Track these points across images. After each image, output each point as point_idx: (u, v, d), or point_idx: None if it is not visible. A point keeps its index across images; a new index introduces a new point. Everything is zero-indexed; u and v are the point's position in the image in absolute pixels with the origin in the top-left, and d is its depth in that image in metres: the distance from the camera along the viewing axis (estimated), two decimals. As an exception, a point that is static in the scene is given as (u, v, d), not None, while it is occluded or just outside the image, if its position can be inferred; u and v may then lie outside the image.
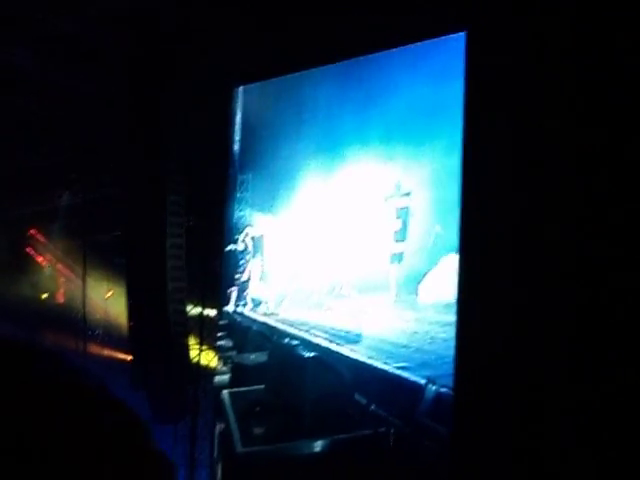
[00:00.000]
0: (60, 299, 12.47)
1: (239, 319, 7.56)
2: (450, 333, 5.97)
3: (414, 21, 6.52)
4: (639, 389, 5.09)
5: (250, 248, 7.61)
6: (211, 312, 8.86)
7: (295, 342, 7.10)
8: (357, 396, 6.56)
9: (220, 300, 8.15)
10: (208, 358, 8.82)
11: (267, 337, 7.28)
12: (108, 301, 11.78)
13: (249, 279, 7.55)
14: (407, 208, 6.55)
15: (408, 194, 6.61)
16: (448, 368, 6.01)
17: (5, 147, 10.21)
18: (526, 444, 5.52)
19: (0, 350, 0.72)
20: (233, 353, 7.60)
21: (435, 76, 6.44)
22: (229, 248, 7.77)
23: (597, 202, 5.35)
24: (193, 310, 8.75)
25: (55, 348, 0.81)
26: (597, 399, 5.19)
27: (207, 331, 8.64)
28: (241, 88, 7.88)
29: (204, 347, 8.73)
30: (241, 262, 7.64)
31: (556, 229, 5.49)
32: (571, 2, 5.54)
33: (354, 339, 6.73)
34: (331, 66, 7.22)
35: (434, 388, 6.12)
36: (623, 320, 5.18)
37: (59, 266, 12.43)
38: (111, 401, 0.72)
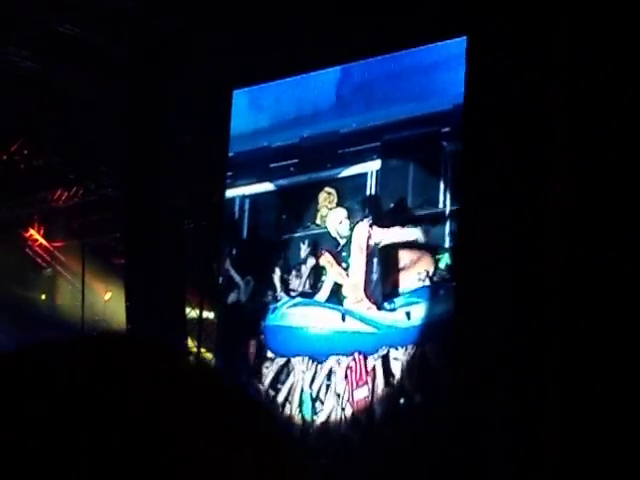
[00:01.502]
0: (58, 300, 12.46)
1: None
2: None
3: (414, 25, 6.52)
4: (627, 403, 5.09)
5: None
6: (210, 314, 8.86)
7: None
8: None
9: (218, 302, 8.15)
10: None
11: None
12: (107, 303, 11.78)
13: None
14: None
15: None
16: None
17: (4, 147, 10.22)
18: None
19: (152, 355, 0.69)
20: None
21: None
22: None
23: (597, 210, 5.35)
24: (192, 312, 8.74)
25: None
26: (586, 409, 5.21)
27: (205, 333, 8.64)
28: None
29: (202, 349, 8.72)
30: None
31: (552, 247, 5.48)
32: (572, 7, 5.55)
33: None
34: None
35: None
36: (613, 339, 5.17)
37: (58, 267, 12.42)
38: (265, 410, 0.70)
